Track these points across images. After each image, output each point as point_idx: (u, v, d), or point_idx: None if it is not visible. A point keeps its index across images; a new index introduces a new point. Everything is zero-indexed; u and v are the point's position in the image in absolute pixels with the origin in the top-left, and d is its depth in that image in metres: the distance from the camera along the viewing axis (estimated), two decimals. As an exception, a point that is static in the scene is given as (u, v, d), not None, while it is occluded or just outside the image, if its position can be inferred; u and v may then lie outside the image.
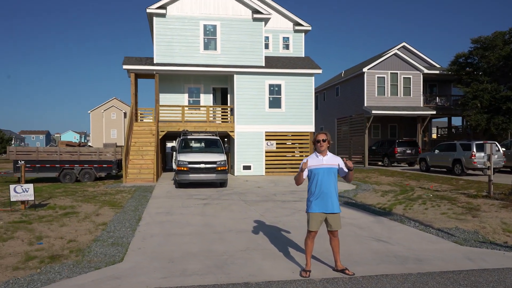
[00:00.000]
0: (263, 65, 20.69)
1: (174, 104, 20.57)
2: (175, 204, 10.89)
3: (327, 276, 5.01)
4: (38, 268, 5.32)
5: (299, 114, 21.04)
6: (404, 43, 31.14)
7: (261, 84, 20.64)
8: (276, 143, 20.96)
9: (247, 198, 12.14)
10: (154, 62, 19.78)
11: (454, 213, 9.68)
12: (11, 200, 10.03)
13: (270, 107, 20.81)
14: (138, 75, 20.57)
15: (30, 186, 10.14)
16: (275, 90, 20.83)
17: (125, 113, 50.03)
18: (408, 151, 26.06)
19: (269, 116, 20.76)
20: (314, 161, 5.15)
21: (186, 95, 21.57)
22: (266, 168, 20.79)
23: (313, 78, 21.24)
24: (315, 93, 35.40)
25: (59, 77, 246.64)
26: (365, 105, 27.15)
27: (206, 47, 20.38)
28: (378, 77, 27.60)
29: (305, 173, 5.18)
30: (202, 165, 14.14)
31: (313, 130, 21.31)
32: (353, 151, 29.33)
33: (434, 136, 45.12)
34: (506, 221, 8.76)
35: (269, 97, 20.79)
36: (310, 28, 23.26)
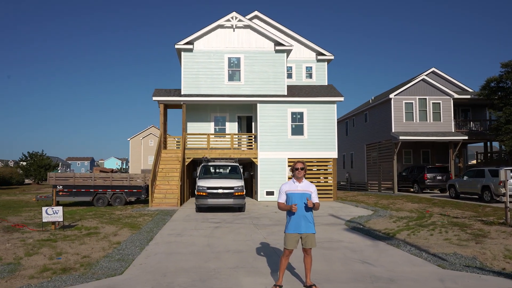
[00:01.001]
0: (285, 94, 21.55)
1: (200, 132, 21.78)
2: (188, 226, 11.69)
3: (293, 291, 5.55)
4: (49, 278, 6.23)
5: (321, 141, 21.52)
6: (433, 68, 31.05)
7: (283, 112, 21.44)
8: (299, 169, 21.43)
9: (259, 222, 12.74)
10: (182, 93, 21.20)
11: (458, 239, 9.79)
12: (43, 221, 11.21)
13: (292, 134, 21.48)
14: (167, 105, 22.05)
15: (60, 209, 11.31)
16: (297, 117, 21.54)
17: (162, 141, 52.17)
18: (439, 177, 25.62)
19: (292, 143, 21.41)
20: (291, 186, 5.80)
21: (212, 124, 22.75)
22: (289, 194, 21.24)
23: (335, 105, 21.77)
24: (345, 119, 35.77)
25: (103, 107, 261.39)
26: (393, 131, 27.15)
27: (231, 78, 21.60)
28: (405, 102, 27.62)
29: (283, 197, 5.81)
30: (220, 190, 14.94)
31: (336, 157, 21.68)
32: (383, 177, 29.15)
33: (474, 162, 43.67)
34: (510, 248, 8.80)
35: (291, 125, 21.50)
36: (332, 57, 23.99)
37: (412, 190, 27.26)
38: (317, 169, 22.01)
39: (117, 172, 20.83)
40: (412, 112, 27.70)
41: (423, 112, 27.84)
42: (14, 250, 8.39)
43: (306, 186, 5.78)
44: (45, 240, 9.56)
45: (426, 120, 27.72)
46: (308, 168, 21.38)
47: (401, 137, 26.16)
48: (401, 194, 25.61)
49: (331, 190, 21.58)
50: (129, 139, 54.09)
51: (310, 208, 5.73)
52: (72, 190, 19.21)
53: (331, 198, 21.43)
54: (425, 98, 27.78)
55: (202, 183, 15.15)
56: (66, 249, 8.50)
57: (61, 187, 19.13)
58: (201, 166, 16.94)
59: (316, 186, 21.63)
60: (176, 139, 22.58)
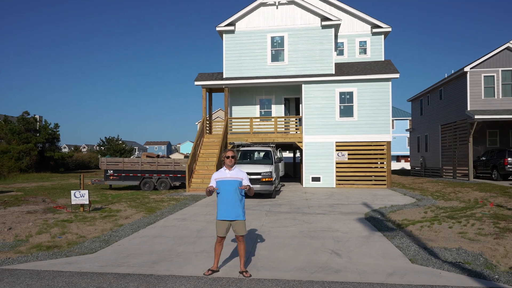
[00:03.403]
0: (333, 72, 21.32)
1: (242, 116, 22.58)
2: (201, 212, 12.61)
3: (222, 276, 6.09)
4: (31, 253, 7.52)
5: (373, 123, 21.00)
6: (525, 34, 27.97)
7: (331, 93, 21.28)
8: (348, 154, 21.26)
9: (275, 209, 13.22)
10: (224, 76, 22.12)
11: (477, 233, 9.35)
12: (72, 203, 12.96)
13: (341, 116, 21.28)
14: (212, 89, 23.16)
15: (86, 192, 12.95)
16: (346, 98, 21.23)
17: (231, 124, 54.13)
18: (523, 163, 23.45)
19: (340, 125, 21.23)
20: (221, 174, 6.30)
21: (257, 107, 23.40)
22: (337, 180, 21.24)
23: (389, 83, 21.00)
24: (419, 97, 34.03)
25: (181, 89, 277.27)
26: (468, 109, 25.31)
27: (274, 58, 21.94)
28: (484, 76, 25.47)
29: (214, 184, 6.32)
30: (247, 176, 15.59)
31: (390, 140, 21.02)
32: (458, 162, 27.40)
33: None
34: (534, 244, 8.27)
35: (340, 106, 21.28)
36: (390, 29, 23.00)
37: (493, 177, 25.31)
38: (366, 153, 21.41)
39: (163, 157, 22.57)
40: (493, 87, 25.46)
41: (508, 86, 25.43)
42: (31, 229, 10.00)
43: (236, 174, 6.23)
44: (64, 220, 11.15)
45: (512, 96, 25.32)
46: (358, 152, 21.16)
47: (477, 116, 24.30)
48: (476, 181, 23.95)
49: (385, 176, 21.05)
50: (197, 123, 57.05)
51: (241, 195, 6.18)
52: (122, 174, 21.33)
53: (384, 185, 20.93)
54: (510, 70, 25.32)
55: (230, 168, 15.96)
56: (73, 229, 9.91)
57: (111, 171, 21.39)
58: (233, 151, 17.75)
59: (368, 172, 21.41)
60: (219, 124, 23.73)
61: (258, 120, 22.65)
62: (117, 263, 6.85)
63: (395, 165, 52.14)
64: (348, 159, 21.28)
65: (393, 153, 58.89)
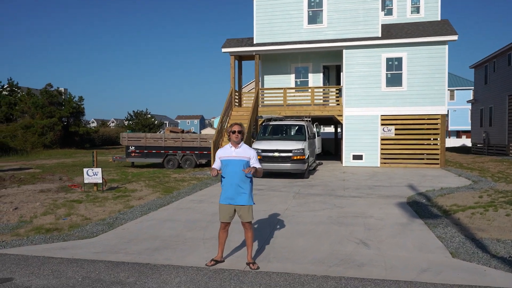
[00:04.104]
0: (379, 35, 20.32)
1: (275, 87, 22.09)
2: (222, 193, 12.48)
3: (226, 267, 5.86)
4: (27, 236, 7.61)
5: (426, 93, 19.97)
6: None
7: (376, 59, 20.35)
8: (395, 129, 20.41)
9: (306, 191, 12.88)
10: (254, 42, 21.60)
11: (541, 222, 8.67)
12: (84, 182, 13.18)
13: (387, 85, 20.37)
14: (242, 57, 22.75)
15: (99, 170, 13.11)
16: (394, 64, 20.25)
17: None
18: None
19: (386, 96, 20.35)
20: (226, 152, 6.00)
21: (292, 76, 22.79)
22: (381, 159, 20.52)
23: (446, 47, 19.77)
24: (484, 63, 32.16)
25: (218, 63, 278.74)
26: (542, 76, 23.61)
27: (311, 20, 21.13)
28: None
29: (218, 164, 6.04)
30: (276, 154, 15.29)
31: (445, 112, 19.96)
32: (528, 138, 25.82)
33: None
34: None
35: (386, 74, 20.35)
36: (448, -18, 21.54)
37: None
38: (416, 128, 20.34)
39: (188, 133, 22.60)
40: None
41: None
42: (37, 209, 10.21)
43: (243, 152, 5.91)
44: (73, 201, 11.33)
45: None
46: (407, 127, 20.29)
47: (552, 85, 22.65)
48: (550, 161, 22.52)
49: (438, 155, 20.08)
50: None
51: (249, 176, 5.88)
52: (144, 151, 21.55)
53: (437, 164, 20.01)
54: None
55: (258, 145, 15.68)
56: (80, 211, 10.03)
57: (133, 148, 21.67)
58: (262, 126, 17.44)
59: (419, 150, 20.61)
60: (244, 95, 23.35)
61: (293, 90, 22.10)
62: (115, 249, 6.79)
63: (455, 142, 50.04)
64: (395, 134, 20.44)
65: (453, 127, 56.59)
